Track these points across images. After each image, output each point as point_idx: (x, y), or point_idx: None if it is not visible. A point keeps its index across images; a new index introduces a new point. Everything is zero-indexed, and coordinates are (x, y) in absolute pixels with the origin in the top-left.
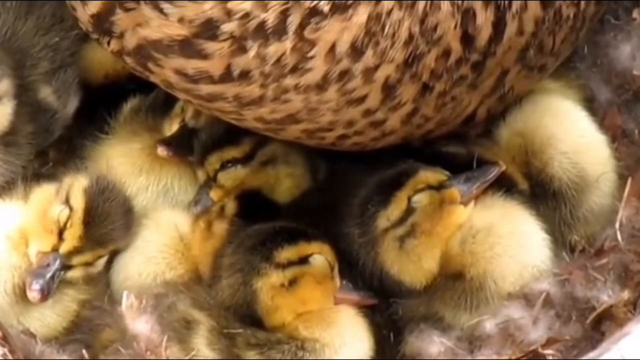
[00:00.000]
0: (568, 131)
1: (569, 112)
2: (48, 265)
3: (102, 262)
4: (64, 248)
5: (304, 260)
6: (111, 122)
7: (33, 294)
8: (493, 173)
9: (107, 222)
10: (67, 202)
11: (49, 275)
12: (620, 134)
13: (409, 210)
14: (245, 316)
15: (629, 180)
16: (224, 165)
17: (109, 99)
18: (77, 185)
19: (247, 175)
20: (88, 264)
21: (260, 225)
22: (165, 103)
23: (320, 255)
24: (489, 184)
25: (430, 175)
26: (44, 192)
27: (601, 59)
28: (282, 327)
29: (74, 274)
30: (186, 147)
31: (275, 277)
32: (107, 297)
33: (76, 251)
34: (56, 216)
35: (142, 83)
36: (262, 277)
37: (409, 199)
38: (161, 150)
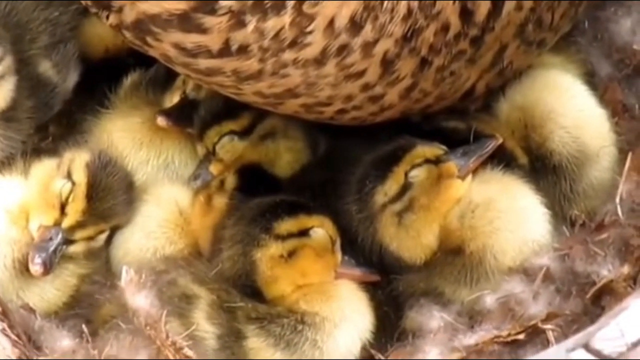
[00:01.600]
0: (568, 105)
1: (569, 86)
2: (50, 239)
3: (103, 237)
4: (67, 222)
5: (304, 232)
6: (111, 97)
7: (35, 267)
8: (490, 146)
9: (109, 197)
10: (69, 176)
11: (51, 249)
12: (620, 109)
13: (407, 185)
14: (245, 287)
15: (629, 155)
16: (222, 138)
17: (109, 74)
18: (78, 159)
19: (246, 148)
20: (90, 239)
21: (262, 199)
22: (165, 77)
23: (321, 229)
24: (486, 158)
25: (427, 149)
26: (45, 166)
27: (602, 34)
28: (282, 299)
29: (76, 248)
30: (186, 118)
31: (275, 248)
32: (107, 271)
33: (79, 226)
34: (58, 190)
35: (142, 57)
36: (261, 248)
37: (406, 174)
38: (161, 120)
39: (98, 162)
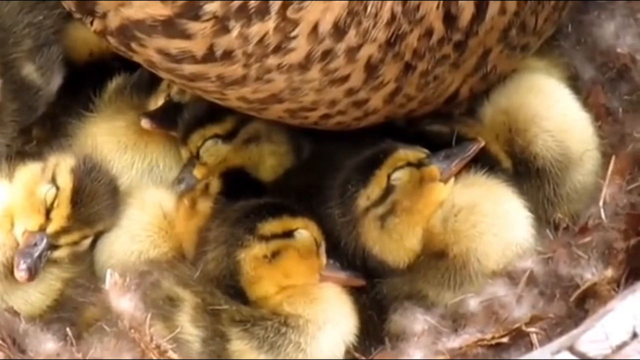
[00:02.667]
0: (552, 109)
1: (553, 90)
2: (35, 244)
3: (87, 241)
4: (52, 228)
5: (288, 234)
6: (96, 100)
7: (21, 273)
8: (472, 149)
9: (94, 202)
10: (53, 181)
11: (36, 254)
12: (604, 112)
13: (389, 189)
14: (229, 288)
15: (613, 159)
16: (205, 142)
17: (93, 77)
18: (63, 164)
19: (230, 152)
20: (74, 244)
21: (246, 201)
22: (150, 81)
23: (306, 231)
24: (470, 161)
25: (409, 153)
26: (29, 170)
27: (585, 37)
28: (266, 300)
29: (60, 253)
30: (170, 121)
31: (258, 248)
32: (91, 275)
33: (63, 231)
34: (43, 195)
35: (127, 61)
36: (245, 249)
37: (389, 177)
38: (144, 122)
39: (83, 167)
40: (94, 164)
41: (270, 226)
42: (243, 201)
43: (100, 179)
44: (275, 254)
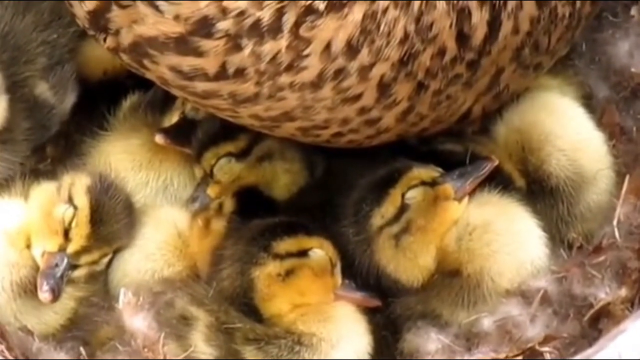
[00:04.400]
0: (565, 128)
1: (567, 109)
2: (56, 265)
3: (106, 260)
4: (72, 248)
5: (303, 253)
6: (110, 119)
7: (44, 295)
8: (486, 168)
9: (113, 221)
10: (70, 201)
11: (58, 275)
12: (618, 132)
13: (403, 207)
14: (243, 305)
15: (627, 178)
16: (219, 160)
17: (108, 96)
18: (79, 183)
19: (244, 170)
20: (94, 263)
21: (262, 219)
22: (164, 99)
23: (321, 250)
24: (484, 180)
25: (423, 172)
26: (44, 190)
27: (599, 56)
28: (279, 318)
29: (80, 272)
30: (184, 137)
31: (272, 266)
32: (105, 294)
33: (83, 250)
34: (61, 216)
35: (141, 79)
36: (259, 267)
37: (403, 196)
38: (159, 138)
39: (99, 186)
40: (109, 182)
41: (285, 245)
42: (259, 219)
43: (116, 196)
44: (289, 273)
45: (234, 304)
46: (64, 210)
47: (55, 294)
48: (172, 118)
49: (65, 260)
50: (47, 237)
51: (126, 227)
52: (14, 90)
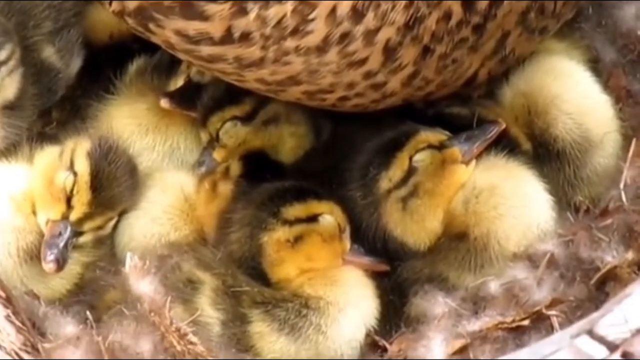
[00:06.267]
0: (572, 92)
1: (573, 72)
2: (60, 234)
3: (111, 224)
4: (74, 215)
5: (312, 218)
6: (116, 82)
7: (49, 265)
8: (493, 131)
9: (114, 185)
10: (71, 167)
11: (62, 244)
12: (624, 95)
13: (411, 171)
14: (251, 269)
15: (634, 141)
16: (225, 124)
17: (114, 59)
18: (79, 149)
19: (250, 134)
20: (99, 228)
21: (272, 183)
22: (170, 63)
23: (330, 215)
24: (490, 143)
25: (430, 135)
26: (47, 156)
27: (606, 20)
28: (287, 283)
29: (85, 238)
30: (189, 101)
31: (282, 232)
32: (112, 258)
33: (86, 217)
34: (62, 183)
35: (147, 43)
36: (268, 232)
37: (411, 159)
38: (164, 102)
39: (99, 150)
40: (110, 145)
41: (295, 210)
42: (268, 183)
43: (117, 160)
44: (298, 239)
45: (241, 268)
46: (65, 177)
47: (60, 264)
48: (178, 82)
49: (69, 229)
50: (50, 205)
51: (129, 190)
52: (24, 56)
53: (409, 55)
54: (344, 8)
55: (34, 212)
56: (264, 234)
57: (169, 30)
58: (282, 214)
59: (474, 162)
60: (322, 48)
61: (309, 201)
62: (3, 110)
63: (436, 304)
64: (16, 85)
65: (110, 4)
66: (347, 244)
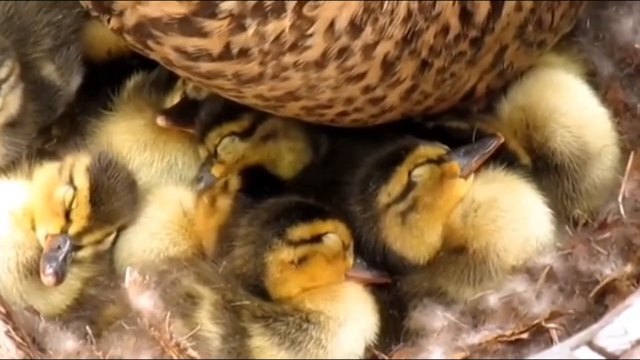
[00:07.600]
0: (570, 105)
1: (571, 86)
2: (59, 247)
3: (110, 239)
4: (73, 229)
5: (316, 239)
6: (114, 99)
7: (48, 278)
8: (492, 145)
9: (113, 199)
10: (70, 182)
11: (61, 257)
12: (622, 108)
13: (410, 185)
14: (252, 286)
15: (632, 154)
16: (223, 139)
17: (112, 76)
18: (79, 164)
19: (248, 150)
20: (97, 242)
21: (277, 199)
22: (168, 79)
23: (334, 235)
24: (489, 157)
25: (429, 149)
26: (47, 171)
27: (603, 33)
28: (288, 300)
29: (84, 253)
30: (186, 118)
31: (286, 253)
32: (111, 273)
33: (85, 231)
34: (61, 197)
35: (145, 60)
36: (272, 252)
37: (410, 174)
38: (160, 120)
39: (98, 165)
40: (109, 160)
41: (300, 231)
42: (273, 199)
43: (116, 174)
44: (302, 260)
45: (243, 284)
46: (65, 191)
47: (59, 277)
48: (174, 98)
49: (68, 242)
50: (49, 219)
51: (128, 204)
52: (23, 73)
53: (407, 69)
54: (342, 23)
55: (34, 228)
56: (268, 253)
57: (168, 47)
58: (287, 235)
59: (472, 176)
60: (320, 63)
61: (314, 221)
62: (4, 128)
63: (435, 318)
64: (18, 101)
65: (108, 21)
66: (351, 260)
